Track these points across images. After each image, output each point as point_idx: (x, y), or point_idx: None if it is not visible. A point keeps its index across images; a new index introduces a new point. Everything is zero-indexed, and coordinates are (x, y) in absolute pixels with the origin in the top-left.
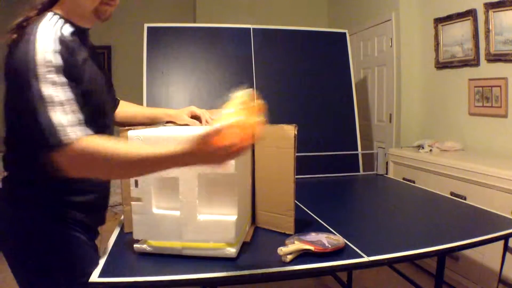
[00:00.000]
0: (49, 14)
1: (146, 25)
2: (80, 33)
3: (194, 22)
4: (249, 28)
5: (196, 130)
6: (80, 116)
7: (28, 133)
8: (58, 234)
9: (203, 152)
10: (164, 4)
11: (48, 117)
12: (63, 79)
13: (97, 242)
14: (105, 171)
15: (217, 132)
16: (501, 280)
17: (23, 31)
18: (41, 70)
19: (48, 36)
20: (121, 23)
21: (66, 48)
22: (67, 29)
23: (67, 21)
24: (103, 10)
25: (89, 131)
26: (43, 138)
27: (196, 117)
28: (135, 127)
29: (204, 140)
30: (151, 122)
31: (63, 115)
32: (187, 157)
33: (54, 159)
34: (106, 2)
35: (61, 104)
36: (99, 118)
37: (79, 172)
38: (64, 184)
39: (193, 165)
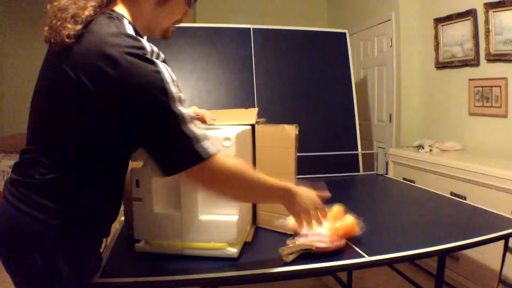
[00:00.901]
0: (127, 23)
1: None
2: None
3: (194, 22)
4: (249, 28)
5: None
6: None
7: (167, 152)
8: (63, 236)
9: (302, 204)
10: None
11: (194, 132)
12: (184, 96)
13: (100, 250)
14: (233, 189)
15: (323, 211)
16: (501, 280)
17: (98, 34)
18: (171, 89)
19: (151, 52)
20: None
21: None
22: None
23: (135, 28)
24: (171, 30)
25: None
26: (195, 152)
27: (197, 118)
28: None
29: (313, 197)
30: None
31: (199, 130)
32: (293, 195)
33: (197, 176)
34: (175, 23)
35: (193, 119)
36: None
37: (215, 185)
38: (93, 201)
39: (288, 204)
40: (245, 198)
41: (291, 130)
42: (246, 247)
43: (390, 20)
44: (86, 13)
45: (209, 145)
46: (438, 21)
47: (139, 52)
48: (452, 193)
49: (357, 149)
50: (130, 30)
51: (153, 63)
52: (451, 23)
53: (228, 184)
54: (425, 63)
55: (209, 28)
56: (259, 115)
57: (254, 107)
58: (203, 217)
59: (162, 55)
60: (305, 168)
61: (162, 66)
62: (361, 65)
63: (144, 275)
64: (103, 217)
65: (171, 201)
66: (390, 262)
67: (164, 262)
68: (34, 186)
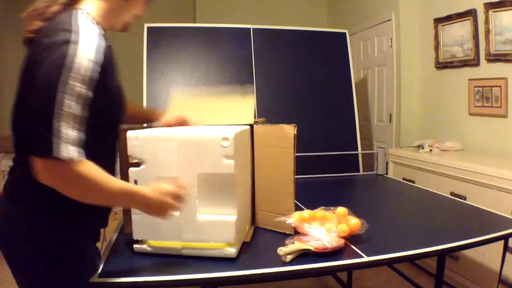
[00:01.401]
0: (82, 14)
1: (146, 25)
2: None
3: (194, 22)
4: (249, 28)
5: (190, 132)
6: (83, 136)
7: (27, 132)
8: (61, 235)
9: (157, 201)
10: (164, 4)
11: (53, 125)
12: (89, 93)
13: (98, 244)
14: (85, 195)
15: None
16: (501, 280)
17: (51, 24)
18: (74, 76)
19: (92, 42)
20: None
21: (105, 59)
22: (101, 33)
23: (97, 24)
24: (131, 24)
25: (83, 155)
26: (39, 142)
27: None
28: (133, 126)
29: (162, 191)
30: (145, 121)
31: (71, 130)
32: (146, 199)
33: (37, 166)
34: (135, 17)
35: (74, 119)
36: (117, 123)
37: (59, 187)
38: None
39: (141, 208)
40: (92, 202)
41: (290, 130)
42: (244, 247)
43: (390, 20)
44: (51, 9)
45: (69, 149)
46: (438, 21)
47: (69, 34)
48: (452, 193)
49: (357, 149)
50: (79, 18)
51: (73, 45)
52: (451, 23)
53: (72, 190)
54: (425, 63)
55: (209, 28)
56: (259, 115)
57: (254, 107)
58: (202, 217)
59: (105, 48)
60: (305, 168)
61: (83, 55)
62: (361, 65)
63: (143, 275)
64: (96, 208)
65: None
66: (389, 262)
67: (163, 262)
68: (28, 184)
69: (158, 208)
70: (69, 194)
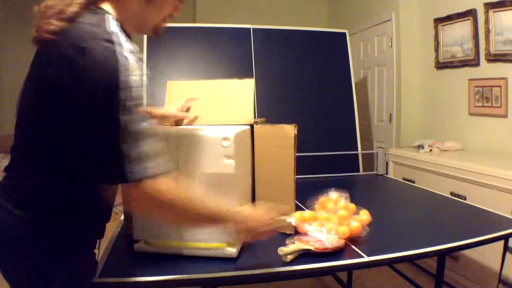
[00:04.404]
0: (111, 18)
1: None
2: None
3: (194, 22)
4: (249, 28)
5: (191, 131)
6: (163, 148)
7: (101, 159)
8: (59, 244)
9: (257, 222)
10: None
11: (132, 150)
12: (145, 106)
13: (96, 250)
14: (173, 216)
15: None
16: (501, 280)
17: (79, 29)
18: (130, 95)
19: (130, 51)
20: None
21: (141, 68)
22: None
23: (122, 27)
24: (162, 26)
25: (169, 168)
26: (126, 169)
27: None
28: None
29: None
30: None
31: (151, 147)
32: (246, 220)
33: (128, 191)
34: (165, 19)
35: (150, 135)
36: None
37: (148, 207)
38: (81, 204)
39: (241, 231)
40: (185, 225)
41: (290, 130)
42: (245, 247)
43: (390, 20)
44: (71, 9)
45: (151, 166)
46: (438, 21)
47: (114, 47)
48: (452, 193)
49: (357, 149)
50: (113, 26)
51: (126, 60)
52: (451, 23)
53: (162, 210)
54: (425, 63)
55: (209, 28)
56: (259, 115)
57: (254, 107)
58: None
59: (140, 55)
60: (305, 168)
61: (133, 67)
62: (361, 65)
63: (143, 275)
64: (96, 219)
65: None
66: (389, 262)
67: (163, 262)
68: (26, 191)
69: (251, 235)
70: (159, 215)
